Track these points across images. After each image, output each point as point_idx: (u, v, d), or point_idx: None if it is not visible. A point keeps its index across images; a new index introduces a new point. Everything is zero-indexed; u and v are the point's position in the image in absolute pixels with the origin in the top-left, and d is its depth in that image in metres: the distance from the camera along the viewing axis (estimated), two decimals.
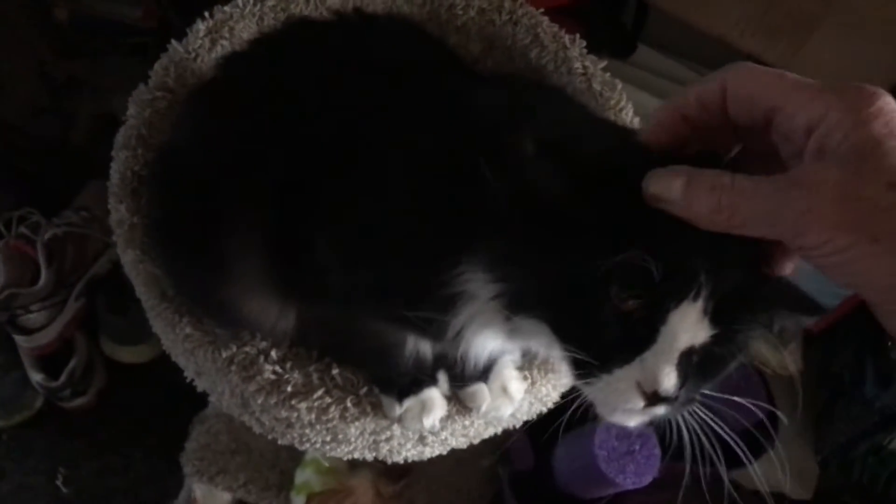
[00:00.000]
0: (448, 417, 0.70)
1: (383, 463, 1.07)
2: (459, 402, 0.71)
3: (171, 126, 0.77)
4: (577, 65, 0.83)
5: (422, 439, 0.73)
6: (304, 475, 1.07)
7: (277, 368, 0.68)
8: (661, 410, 0.46)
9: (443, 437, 0.73)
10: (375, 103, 0.59)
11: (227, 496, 1.16)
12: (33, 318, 1.26)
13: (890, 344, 1.08)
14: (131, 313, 1.29)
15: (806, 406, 1.24)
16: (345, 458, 0.76)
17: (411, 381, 0.68)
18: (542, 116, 0.53)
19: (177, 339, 0.70)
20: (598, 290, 0.43)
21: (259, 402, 0.69)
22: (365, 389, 0.69)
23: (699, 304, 0.43)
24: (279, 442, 0.75)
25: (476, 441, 0.77)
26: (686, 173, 0.42)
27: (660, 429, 0.49)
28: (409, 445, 0.74)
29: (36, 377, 1.28)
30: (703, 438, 0.49)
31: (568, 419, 0.99)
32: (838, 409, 1.19)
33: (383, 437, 0.72)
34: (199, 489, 1.17)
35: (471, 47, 0.87)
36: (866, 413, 1.13)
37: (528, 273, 0.47)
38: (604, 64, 0.85)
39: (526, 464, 1.02)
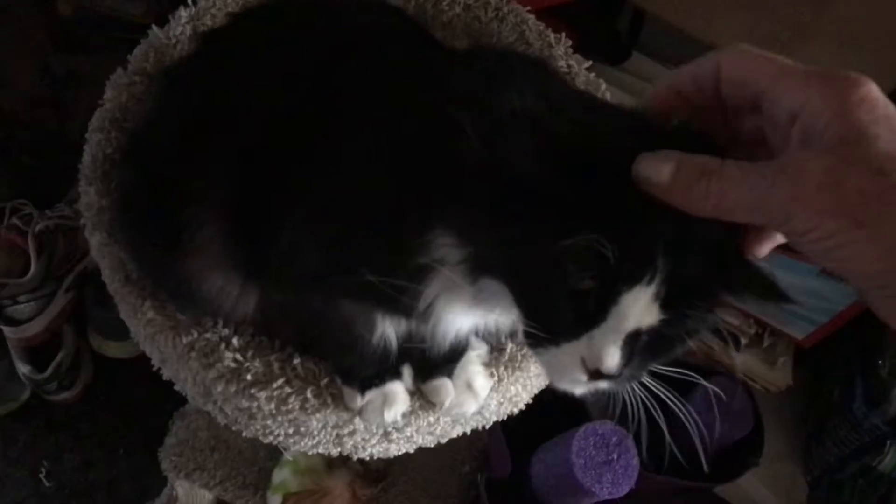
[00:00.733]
0: (412, 413, 0.69)
1: (361, 464, 1.07)
2: (423, 398, 0.69)
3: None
4: (562, 63, 0.83)
5: (386, 435, 0.72)
6: (281, 475, 1.06)
7: (238, 356, 0.67)
8: (603, 384, 0.47)
9: (407, 434, 0.72)
10: (345, 75, 0.59)
11: (208, 495, 1.15)
12: (21, 308, 1.26)
13: (880, 362, 1.06)
14: None
15: (796, 423, 1.22)
16: (310, 453, 0.75)
17: (374, 374, 0.66)
18: (523, 84, 0.52)
19: (139, 323, 0.70)
20: (554, 266, 0.44)
21: (219, 389, 0.68)
22: (326, 380, 0.68)
23: (652, 288, 0.43)
24: (243, 434, 0.74)
25: (444, 440, 0.76)
26: (675, 159, 0.41)
27: (604, 398, 0.50)
28: (373, 441, 0.72)
29: (23, 369, 1.27)
30: (650, 409, 0.50)
31: (546, 426, 0.98)
32: (828, 427, 1.16)
33: (346, 430, 0.70)
34: (181, 487, 1.16)
35: (456, 43, 0.86)
36: (855, 433, 1.10)
37: (494, 240, 0.47)
38: (588, 64, 0.84)
39: (503, 471, 1.00)
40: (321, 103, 0.59)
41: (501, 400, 0.73)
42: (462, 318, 0.58)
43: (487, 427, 0.77)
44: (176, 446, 1.11)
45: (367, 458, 0.76)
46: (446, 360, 0.67)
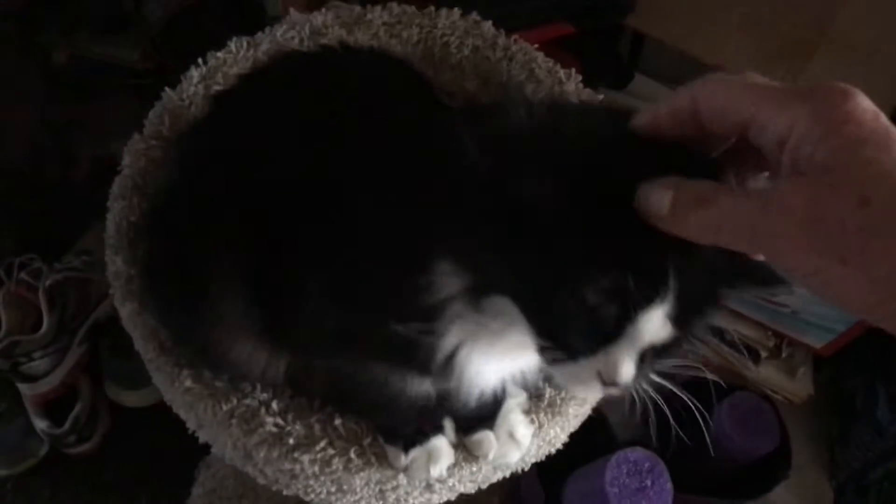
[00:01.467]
0: (455, 465, 0.69)
1: None
2: (466, 449, 0.69)
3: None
4: (574, 99, 0.83)
5: (429, 487, 0.72)
6: None
7: (279, 420, 0.67)
8: (615, 391, 0.47)
9: (450, 484, 0.72)
10: (355, 140, 0.59)
11: None
12: (36, 365, 1.25)
13: None
14: (135, 357, 1.27)
15: (819, 431, 1.22)
16: None
17: (416, 431, 0.66)
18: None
19: (176, 392, 0.69)
20: (570, 290, 0.44)
21: (261, 454, 0.68)
22: (369, 439, 0.68)
23: (665, 306, 0.43)
24: (284, 493, 0.74)
25: (484, 486, 0.76)
26: (673, 186, 0.40)
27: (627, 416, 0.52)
28: (415, 493, 0.72)
29: (40, 424, 1.27)
30: (658, 402, 0.51)
31: (576, 454, 0.98)
32: (852, 434, 1.17)
33: (389, 486, 0.70)
34: None
35: (466, 85, 0.86)
36: (880, 438, 1.11)
37: (499, 264, 0.47)
38: (601, 98, 0.84)
39: (536, 502, 1.00)
40: (333, 169, 0.59)
41: (541, 443, 0.73)
42: (488, 369, 0.57)
43: (526, 469, 0.77)
44: (203, 496, 1.11)
45: None
46: (487, 412, 0.67)
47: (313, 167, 0.59)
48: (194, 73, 0.81)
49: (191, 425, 0.75)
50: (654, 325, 0.44)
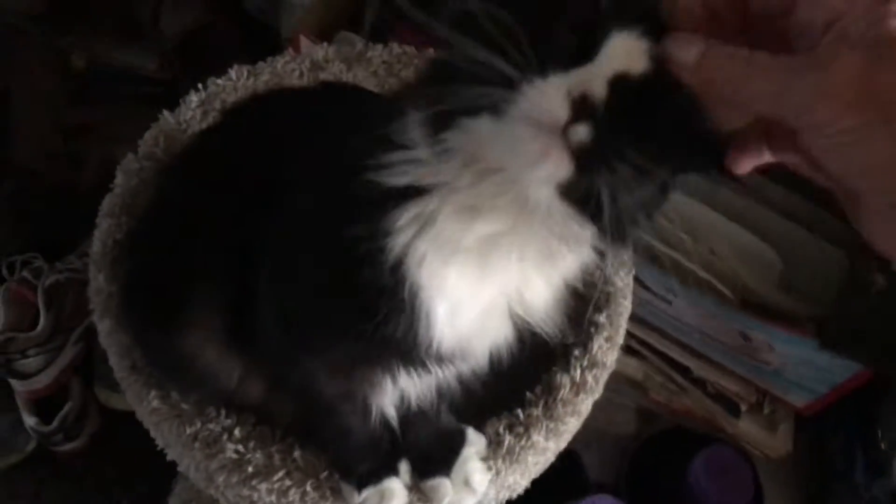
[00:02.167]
0: None
1: None
2: (421, 492, 0.70)
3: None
4: None
5: None
6: None
7: (240, 448, 0.69)
8: (582, 132, 0.40)
9: None
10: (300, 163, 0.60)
11: None
12: (29, 362, 1.27)
13: (880, 434, 1.06)
14: None
15: (797, 490, 1.22)
16: None
17: (370, 471, 0.67)
18: None
19: (145, 411, 0.71)
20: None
21: (221, 479, 0.69)
22: (326, 474, 0.69)
23: (635, 35, 0.42)
24: None
25: None
26: (706, 42, 0.42)
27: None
28: None
29: (29, 421, 1.28)
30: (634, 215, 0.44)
31: (548, 495, 0.98)
32: (830, 494, 1.17)
33: None
34: None
35: None
36: (857, 501, 1.11)
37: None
38: None
39: None
40: (281, 184, 0.59)
41: (500, 489, 0.74)
42: (462, 281, 0.51)
43: None
44: None
45: None
46: (444, 457, 0.68)
47: (270, 189, 0.60)
48: (193, 98, 0.83)
49: (159, 443, 0.77)
50: (627, 47, 0.42)
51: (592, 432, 0.80)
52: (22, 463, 1.32)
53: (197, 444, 0.69)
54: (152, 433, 0.76)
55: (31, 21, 1.44)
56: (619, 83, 0.41)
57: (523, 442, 0.72)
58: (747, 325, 1.05)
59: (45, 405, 1.29)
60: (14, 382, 1.28)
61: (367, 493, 0.67)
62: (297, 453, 0.69)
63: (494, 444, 0.72)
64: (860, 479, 1.10)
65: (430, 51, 0.90)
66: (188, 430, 0.69)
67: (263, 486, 0.68)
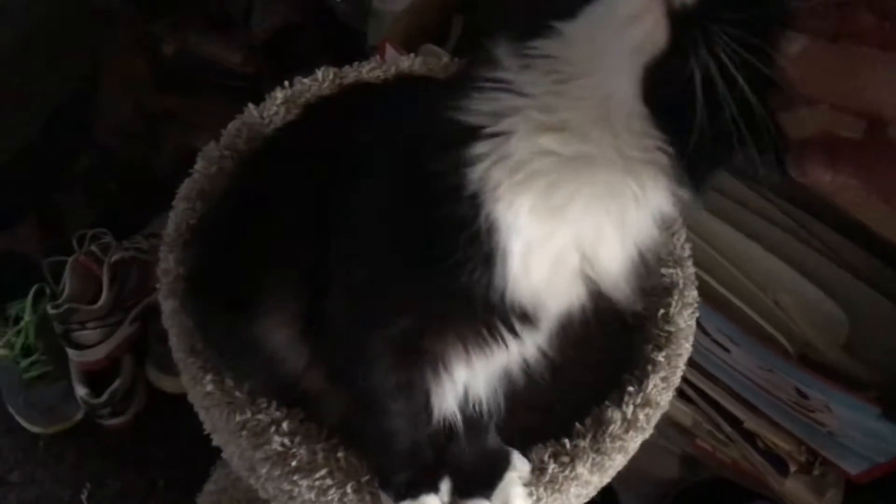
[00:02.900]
0: None
1: None
2: None
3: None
4: None
5: None
6: None
7: (286, 441, 0.69)
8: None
9: None
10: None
11: None
12: (87, 334, 1.30)
13: None
14: None
15: None
16: None
17: (410, 483, 0.67)
18: None
19: (198, 394, 0.72)
20: None
21: (264, 470, 0.69)
22: (367, 478, 0.69)
23: None
24: None
25: None
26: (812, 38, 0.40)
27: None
28: None
29: (80, 391, 1.32)
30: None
31: None
32: None
33: None
34: None
35: None
36: None
37: None
38: None
39: None
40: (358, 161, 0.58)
41: None
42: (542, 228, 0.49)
43: None
44: (214, 493, 1.14)
45: None
46: (487, 478, 0.68)
47: (346, 174, 0.59)
48: (279, 95, 0.85)
49: (207, 427, 0.78)
50: None
51: (633, 472, 0.78)
52: (68, 431, 1.36)
53: (244, 433, 0.70)
54: (201, 416, 0.77)
55: (129, 5, 1.49)
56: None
57: (567, 472, 0.71)
58: (806, 383, 1.02)
59: (97, 378, 1.33)
60: (70, 352, 1.32)
61: None
62: (340, 454, 0.69)
63: (538, 471, 0.71)
64: None
65: None
66: (237, 418, 0.70)
67: (304, 483, 0.68)
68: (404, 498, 0.66)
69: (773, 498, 1.12)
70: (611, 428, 0.72)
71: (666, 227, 0.51)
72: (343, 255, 0.59)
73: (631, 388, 0.74)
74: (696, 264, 0.83)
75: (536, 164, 0.46)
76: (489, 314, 0.52)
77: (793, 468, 1.13)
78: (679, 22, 0.39)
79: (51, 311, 1.27)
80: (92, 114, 1.53)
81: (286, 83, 0.86)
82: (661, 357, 0.75)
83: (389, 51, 1.12)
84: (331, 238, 0.60)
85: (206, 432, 0.78)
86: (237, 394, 0.71)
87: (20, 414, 1.34)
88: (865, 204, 0.47)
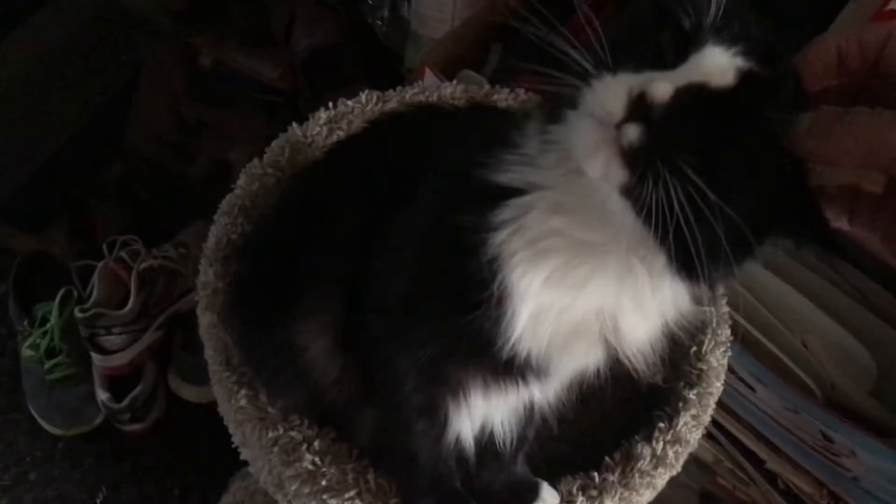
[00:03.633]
0: None
1: None
2: None
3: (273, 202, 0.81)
4: None
5: None
6: None
7: (317, 460, 0.69)
8: (632, 132, 0.40)
9: None
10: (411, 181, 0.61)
11: None
12: (112, 339, 1.32)
13: None
14: (202, 354, 1.33)
15: None
16: None
17: None
18: None
19: (231, 408, 0.72)
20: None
21: (293, 487, 0.70)
22: (395, 501, 0.69)
23: (730, 52, 0.41)
24: None
25: None
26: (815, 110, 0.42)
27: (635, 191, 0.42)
28: None
29: (102, 396, 1.33)
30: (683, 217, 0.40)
31: None
32: None
33: None
34: None
35: None
36: None
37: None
38: None
39: None
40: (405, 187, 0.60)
41: None
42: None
43: None
44: None
45: None
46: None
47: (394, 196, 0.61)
48: (322, 115, 0.86)
49: (236, 440, 0.78)
50: (716, 61, 0.41)
51: None
52: (88, 434, 1.37)
53: (276, 450, 0.70)
54: (231, 430, 0.77)
55: (171, 16, 1.51)
56: (693, 95, 0.40)
57: None
58: (832, 426, 1.01)
59: (119, 383, 1.34)
60: (94, 356, 1.33)
61: None
62: (370, 475, 0.70)
63: (566, 503, 0.71)
64: None
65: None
66: (269, 434, 0.70)
67: (333, 502, 0.68)
68: None
69: None
70: (640, 463, 0.72)
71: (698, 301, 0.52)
72: (382, 272, 0.60)
73: (661, 425, 0.74)
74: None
75: (549, 243, 0.49)
76: (501, 362, 0.54)
77: None
78: (630, 159, 0.40)
79: (78, 314, 1.29)
80: (127, 121, 1.56)
81: (330, 104, 0.87)
82: (692, 395, 0.75)
83: (428, 75, 1.13)
84: (373, 253, 0.61)
85: (226, 443, 0.78)
86: (270, 410, 0.72)
87: (41, 415, 1.36)
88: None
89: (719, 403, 1.08)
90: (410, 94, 0.89)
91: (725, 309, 0.82)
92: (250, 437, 0.72)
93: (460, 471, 0.68)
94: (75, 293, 1.38)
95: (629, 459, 0.73)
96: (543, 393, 0.60)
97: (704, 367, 0.77)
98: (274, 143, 0.85)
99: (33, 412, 1.36)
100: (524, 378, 0.56)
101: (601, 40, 0.43)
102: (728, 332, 0.81)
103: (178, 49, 1.56)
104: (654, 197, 0.40)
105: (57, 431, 1.36)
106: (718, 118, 0.40)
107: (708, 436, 1.12)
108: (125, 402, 1.32)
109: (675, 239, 0.41)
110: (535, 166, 0.48)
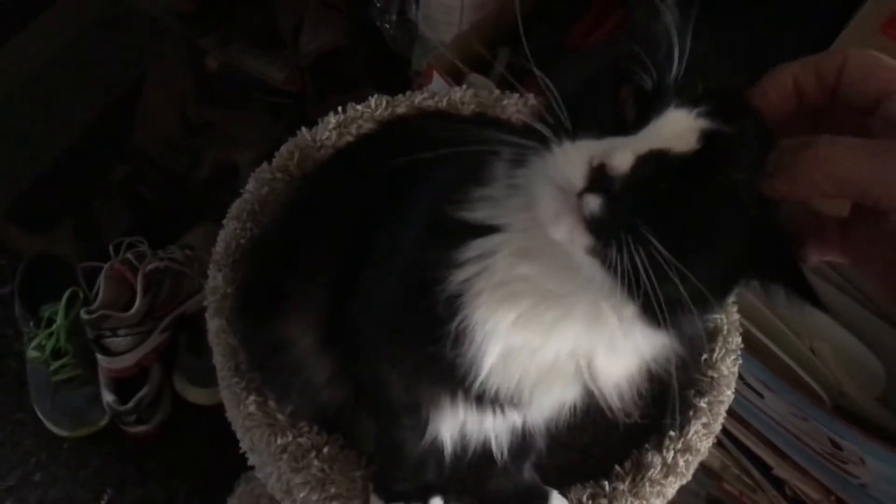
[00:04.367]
0: None
1: None
2: None
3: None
4: None
5: None
6: None
7: (325, 467, 0.69)
8: (593, 203, 0.40)
9: None
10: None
11: None
12: (118, 341, 1.31)
13: None
14: (208, 357, 1.33)
15: None
16: None
17: (404, 493, 0.68)
18: None
19: (239, 414, 0.72)
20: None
21: (302, 495, 0.70)
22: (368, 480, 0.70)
23: (693, 114, 0.41)
24: None
25: None
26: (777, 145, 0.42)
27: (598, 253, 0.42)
28: None
29: (107, 397, 1.33)
30: (644, 276, 0.40)
31: None
32: None
33: None
34: None
35: None
36: None
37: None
38: None
39: None
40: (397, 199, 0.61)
41: None
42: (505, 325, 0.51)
43: None
44: None
45: None
46: None
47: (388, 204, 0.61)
48: (331, 119, 0.85)
49: (244, 446, 0.78)
50: (679, 125, 0.41)
51: None
52: (93, 436, 1.36)
53: (285, 456, 0.70)
54: (239, 436, 0.77)
55: (177, 18, 1.51)
56: (654, 161, 0.40)
57: None
58: (840, 433, 1.01)
59: (124, 385, 1.34)
60: (100, 358, 1.33)
61: None
62: None
63: None
64: None
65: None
66: (279, 441, 0.70)
67: None
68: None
69: None
70: (650, 472, 0.72)
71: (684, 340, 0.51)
72: (369, 281, 0.60)
73: (672, 433, 0.73)
74: None
75: (516, 287, 0.49)
76: (468, 391, 0.55)
77: None
78: (592, 226, 0.40)
79: (84, 316, 1.29)
80: (133, 123, 1.55)
81: (339, 108, 0.86)
82: (702, 403, 0.75)
83: (436, 78, 1.13)
84: (363, 260, 0.61)
85: (231, 445, 0.78)
86: (279, 416, 0.72)
87: (47, 416, 1.36)
88: None
89: (727, 409, 1.08)
90: (420, 98, 0.89)
91: (736, 317, 0.82)
92: (259, 444, 0.72)
93: (435, 464, 0.68)
94: (81, 294, 1.37)
95: (639, 468, 0.73)
96: (527, 418, 0.60)
97: (715, 375, 0.77)
98: (283, 148, 0.84)
99: (39, 413, 1.36)
100: (501, 408, 0.56)
101: (558, 102, 0.42)
102: (739, 339, 0.80)
103: (184, 51, 1.56)
104: (618, 259, 0.40)
105: (62, 433, 1.35)
106: (681, 182, 0.40)
107: (715, 441, 1.11)
108: (131, 403, 1.32)
109: (641, 293, 0.41)
110: (501, 208, 0.48)
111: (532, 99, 0.92)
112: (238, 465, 1.23)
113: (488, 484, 0.72)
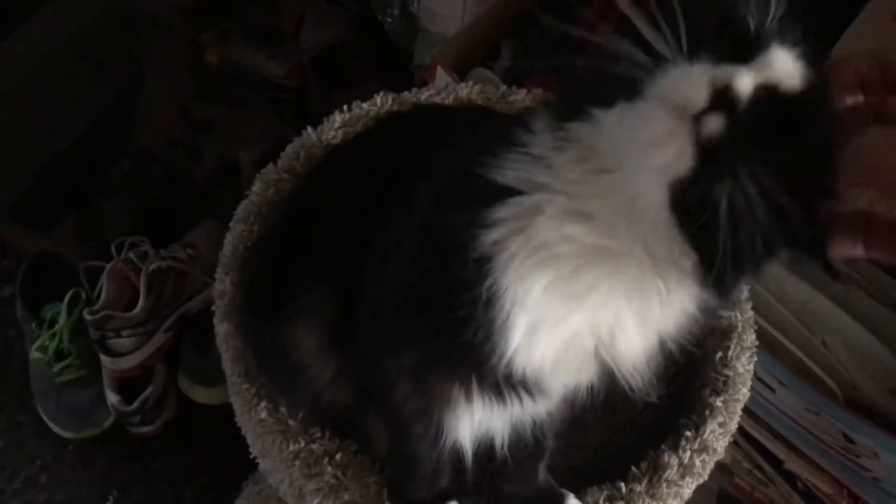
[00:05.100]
0: None
1: None
2: None
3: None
4: None
5: None
6: None
7: (339, 473, 0.68)
8: (715, 123, 0.38)
9: None
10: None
11: None
12: (122, 342, 1.30)
13: None
14: (213, 356, 1.32)
15: None
16: None
17: (420, 501, 0.68)
18: None
19: (250, 420, 0.71)
20: None
21: (315, 501, 0.69)
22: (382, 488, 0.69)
23: (793, 55, 0.41)
24: None
25: None
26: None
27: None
28: None
29: (112, 398, 1.32)
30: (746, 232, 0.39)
31: None
32: None
33: None
34: None
35: None
36: None
37: None
38: None
39: None
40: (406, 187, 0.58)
41: None
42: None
43: None
44: None
45: None
46: None
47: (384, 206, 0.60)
48: (337, 118, 0.84)
49: (254, 451, 0.77)
50: (786, 62, 0.40)
51: None
52: (98, 437, 1.35)
53: (297, 463, 0.69)
54: (250, 441, 0.76)
55: (178, 13, 1.49)
56: (767, 94, 0.39)
57: None
58: (853, 427, 1.00)
59: (128, 386, 1.33)
60: (104, 359, 1.31)
61: None
62: None
63: None
64: None
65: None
66: (291, 447, 0.69)
67: None
68: None
69: None
70: (667, 473, 0.71)
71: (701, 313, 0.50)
72: (374, 277, 0.59)
73: (688, 433, 0.73)
74: None
75: (559, 249, 0.46)
76: (490, 375, 0.52)
77: None
78: (705, 150, 0.38)
79: (87, 316, 1.27)
80: (134, 120, 1.54)
81: (344, 107, 0.85)
82: (718, 402, 0.74)
83: (440, 73, 1.12)
84: (368, 257, 0.60)
85: (238, 445, 0.78)
86: (291, 422, 0.71)
87: (51, 418, 1.35)
88: None
89: None
90: (426, 95, 0.88)
91: (750, 314, 0.81)
92: (270, 450, 0.71)
93: (452, 470, 0.67)
94: (83, 295, 1.36)
95: (656, 469, 0.72)
96: (541, 409, 0.59)
97: (730, 374, 0.76)
98: (289, 148, 0.83)
99: (43, 415, 1.35)
100: (517, 395, 0.54)
101: (678, 25, 0.40)
102: (753, 337, 0.79)
103: (185, 46, 1.54)
104: (712, 193, 0.38)
105: (67, 434, 1.34)
106: (786, 121, 0.39)
107: None
108: (135, 404, 1.31)
109: (709, 242, 0.39)
110: (544, 166, 0.46)
111: (540, 94, 0.91)
112: (245, 464, 1.23)
113: (503, 488, 0.71)
